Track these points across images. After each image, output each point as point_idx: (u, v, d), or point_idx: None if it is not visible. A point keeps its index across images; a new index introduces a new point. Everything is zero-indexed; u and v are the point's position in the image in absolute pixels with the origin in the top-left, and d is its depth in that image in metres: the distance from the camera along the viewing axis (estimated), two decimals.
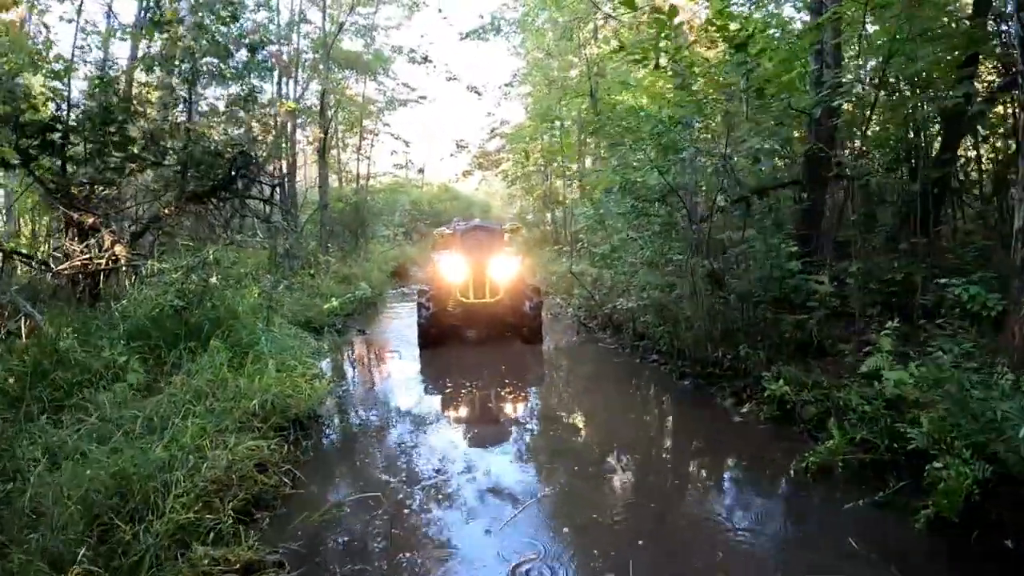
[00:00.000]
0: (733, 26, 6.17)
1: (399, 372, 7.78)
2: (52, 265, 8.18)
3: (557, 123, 18.20)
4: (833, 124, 7.02)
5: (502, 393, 6.85)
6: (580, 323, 9.94)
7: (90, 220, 8.42)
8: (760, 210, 7.43)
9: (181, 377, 5.47)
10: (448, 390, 7.04)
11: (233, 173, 8.86)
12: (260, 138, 9.87)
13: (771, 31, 7.74)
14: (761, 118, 6.67)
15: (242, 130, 9.23)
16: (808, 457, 4.43)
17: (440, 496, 4.42)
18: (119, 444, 4.17)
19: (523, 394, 6.92)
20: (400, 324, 10.73)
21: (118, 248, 8.45)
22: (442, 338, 8.54)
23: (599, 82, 15.84)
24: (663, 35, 5.85)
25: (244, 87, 9.70)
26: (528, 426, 6.03)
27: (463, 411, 6.37)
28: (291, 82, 14.80)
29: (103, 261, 8.24)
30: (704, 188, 7.48)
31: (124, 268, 8.23)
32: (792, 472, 4.49)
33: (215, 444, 4.34)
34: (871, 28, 6.83)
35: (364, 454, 5.20)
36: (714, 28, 6.11)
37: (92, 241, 8.42)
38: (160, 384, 5.56)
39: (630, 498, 4.46)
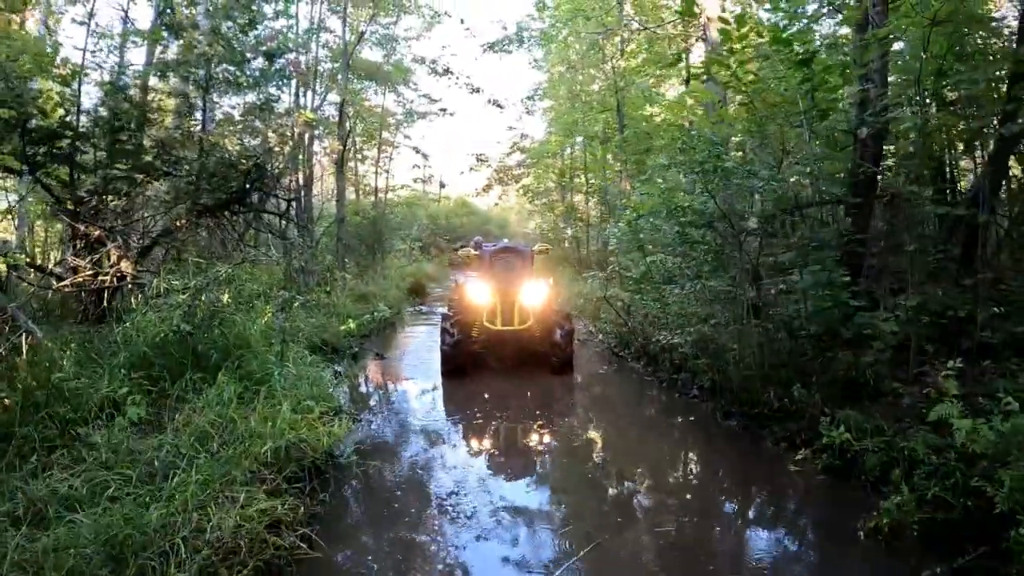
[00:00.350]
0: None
1: (421, 405, 7.23)
2: (54, 280, 7.76)
3: (579, 138, 17.80)
4: (880, 146, 6.51)
5: (532, 433, 6.28)
6: (611, 351, 9.37)
7: (96, 233, 8.01)
8: (803, 235, 6.90)
9: (185, 415, 4.97)
10: (475, 428, 6.48)
11: (248, 186, 8.41)
12: (276, 149, 9.41)
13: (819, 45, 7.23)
14: (813, 139, 6.17)
15: (258, 140, 8.77)
16: (877, 517, 3.97)
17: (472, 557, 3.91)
18: (114, 495, 3.67)
19: (554, 432, 6.34)
20: (419, 347, 10.20)
21: (124, 264, 8.00)
22: (467, 366, 8.00)
23: (625, 96, 15.39)
24: (726, 47, 5.30)
25: (261, 96, 9.27)
26: (563, 473, 5.45)
27: (492, 453, 5.80)
28: (309, 92, 14.42)
29: (108, 278, 7.80)
30: (754, 212, 6.94)
31: (130, 286, 7.76)
32: (861, 533, 4.01)
33: (221, 500, 3.81)
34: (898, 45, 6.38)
35: (388, 507, 4.65)
36: (773, 42, 5.58)
37: (97, 256, 8.05)
38: (163, 420, 5.08)
39: (681, 562, 3.90)
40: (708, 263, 6.50)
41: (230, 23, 8.82)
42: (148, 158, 8.34)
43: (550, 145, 17.31)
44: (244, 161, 8.39)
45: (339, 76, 13.57)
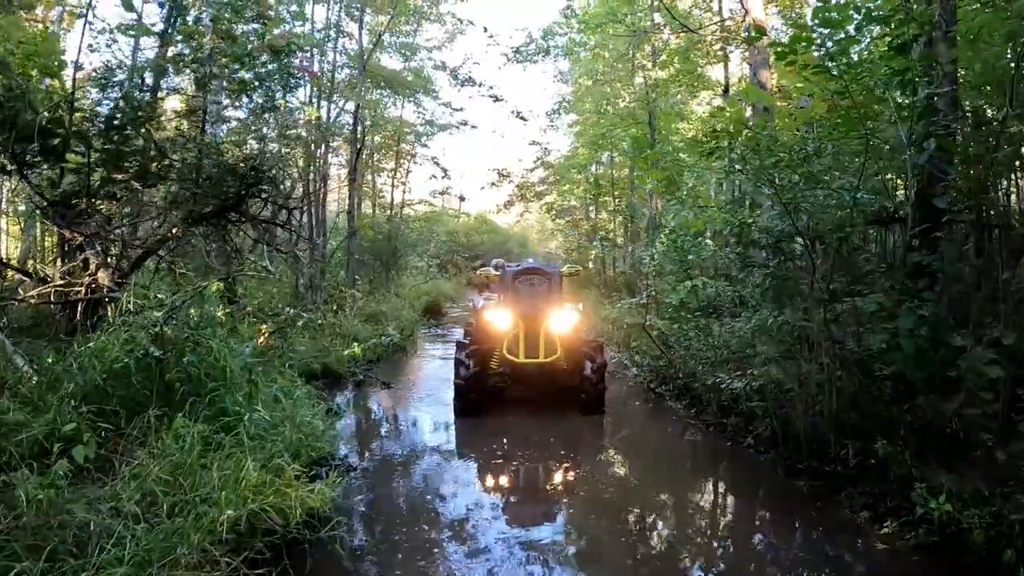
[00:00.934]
0: None
1: (430, 449, 6.20)
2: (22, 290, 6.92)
3: (605, 154, 16.86)
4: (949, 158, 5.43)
5: (559, 493, 5.24)
6: (646, 387, 8.28)
7: (79, 239, 7.18)
8: (873, 259, 5.84)
9: (139, 462, 4.01)
10: (490, 485, 5.42)
11: (243, 192, 7.51)
12: (276, 151, 8.54)
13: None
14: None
15: (261, 143, 7.91)
16: None
17: None
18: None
19: (586, 491, 5.29)
20: (432, 375, 9.22)
21: (102, 274, 7.13)
22: (483, 403, 6.95)
23: (659, 108, 14.44)
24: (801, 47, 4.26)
25: (266, 96, 8.41)
26: (598, 547, 4.39)
27: (512, 516, 4.74)
28: (325, 102, 13.67)
29: (81, 288, 6.93)
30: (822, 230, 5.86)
31: (106, 299, 6.88)
32: None
33: None
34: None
35: None
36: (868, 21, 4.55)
37: (73, 264, 7.23)
38: (116, 465, 4.14)
39: None
40: (771, 290, 5.43)
41: (233, 12, 7.98)
42: (141, 160, 7.50)
43: (578, 158, 16.32)
44: (241, 165, 7.50)
45: (355, 81, 12.76)
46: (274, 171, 7.63)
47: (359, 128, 11.84)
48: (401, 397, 8.04)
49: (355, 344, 8.57)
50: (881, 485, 4.83)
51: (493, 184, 19.94)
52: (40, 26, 10.78)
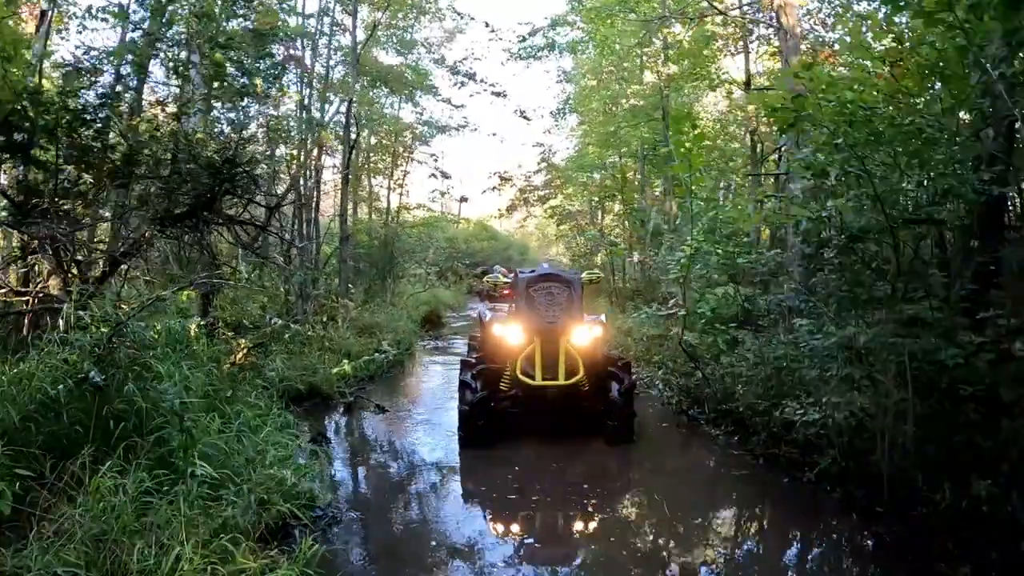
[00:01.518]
0: None
1: (430, 490, 5.24)
2: None
3: (613, 154, 15.93)
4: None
5: (588, 539, 4.31)
6: (677, 409, 7.32)
7: (33, 243, 6.30)
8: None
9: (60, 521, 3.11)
10: (506, 531, 4.47)
11: (216, 189, 6.59)
12: (262, 145, 7.62)
13: None
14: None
15: (238, 134, 6.98)
16: None
17: None
18: None
19: (618, 532, 4.35)
20: (432, 395, 8.28)
21: (53, 282, 6.21)
22: (493, 431, 5.96)
23: (670, 104, 13.54)
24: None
25: (245, 83, 7.50)
26: None
27: None
28: (317, 99, 12.76)
29: (28, 298, 6.01)
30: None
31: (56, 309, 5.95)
32: None
33: None
34: None
35: None
36: None
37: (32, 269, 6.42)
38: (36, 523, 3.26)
39: None
40: (846, 298, 4.47)
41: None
42: (112, 156, 6.64)
43: (587, 158, 15.34)
44: (215, 157, 6.58)
45: (347, 75, 11.87)
46: (252, 165, 6.71)
47: (352, 125, 10.93)
48: (397, 423, 7.06)
49: (345, 361, 7.61)
50: (983, 533, 3.93)
51: (495, 188, 19.03)
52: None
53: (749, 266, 6.71)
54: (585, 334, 5.97)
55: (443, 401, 7.65)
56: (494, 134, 43.46)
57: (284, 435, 5.18)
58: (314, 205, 12.55)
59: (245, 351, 7.70)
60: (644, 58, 14.41)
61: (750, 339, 7.14)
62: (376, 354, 8.34)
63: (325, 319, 10.27)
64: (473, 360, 6.22)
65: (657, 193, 16.63)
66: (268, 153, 8.10)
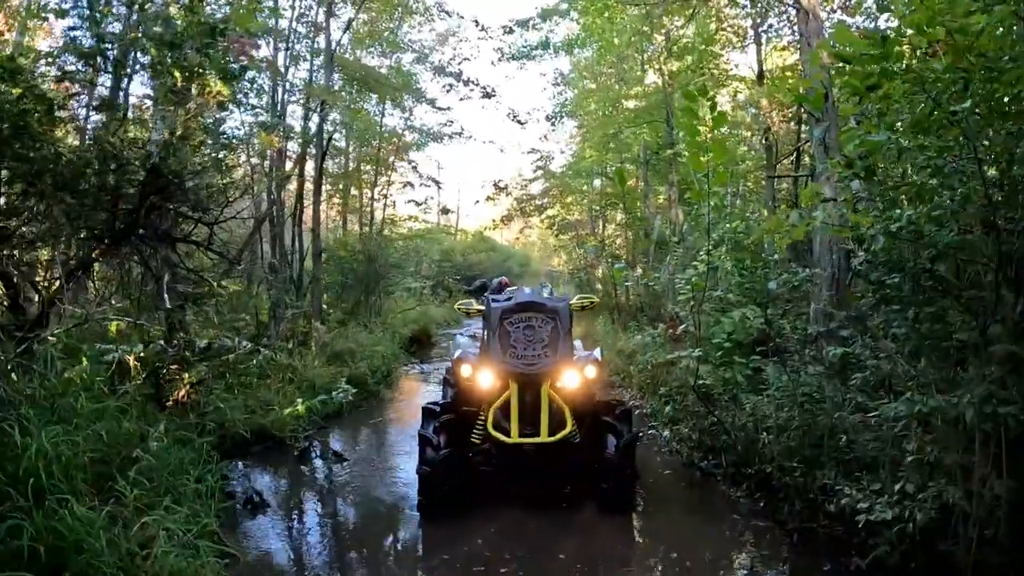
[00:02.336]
0: None
1: None
2: None
3: (615, 159, 14.86)
4: None
5: None
6: (687, 459, 6.18)
7: None
8: None
9: None
10: None
11: (143, 201, 5.56)
12: (208, 154, 6.58)
13: None
14: None
15: (173, 137, 5.93)
16: None
17: None
18: None
19: None
20: (404, 434, 7.18)
21: None
22: (460, 497, 4.84)
23: (674, 102, 12.48)
24: None
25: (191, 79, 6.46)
26: None
27: None
28: (294, 105, 11.78)
29: None
30: None
31: None
32: None
33: None
34: None
35: None
36: None
37: None
38: None
39: None
40: (931, 342, 3.34)
41: None
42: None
43: (585, 162, 14.24)
44: (133, 163, 5.55)
45: (321, 73, 10.86)
46: (187, 176, 5.68)
47: (324, 128, 9.92)
48: (355, 476, 5.93)
49: (299, 400, 6.53)
50: None
51: (489, 198, 17.96)
52: None
53: (778, 288, 5.63)
54: (574, 378, 4.87)
55: (414, 444, 6.62)
56: (491, 142, 42.21)
57: (202, 505, 4.16)
58: (294, 218, 11.55)
59: (188, 387, 6.70)
60: (645, 55, 13.35)
61: (775, 373, 6.03)
62: (334, 394, 7.22)
63: (293, 344, 9.22)
64: (437, 407, 5.13)
65: (661, 201, 15.59)
66: (223, 161, 7.06)
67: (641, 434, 6.38)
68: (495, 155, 53.92)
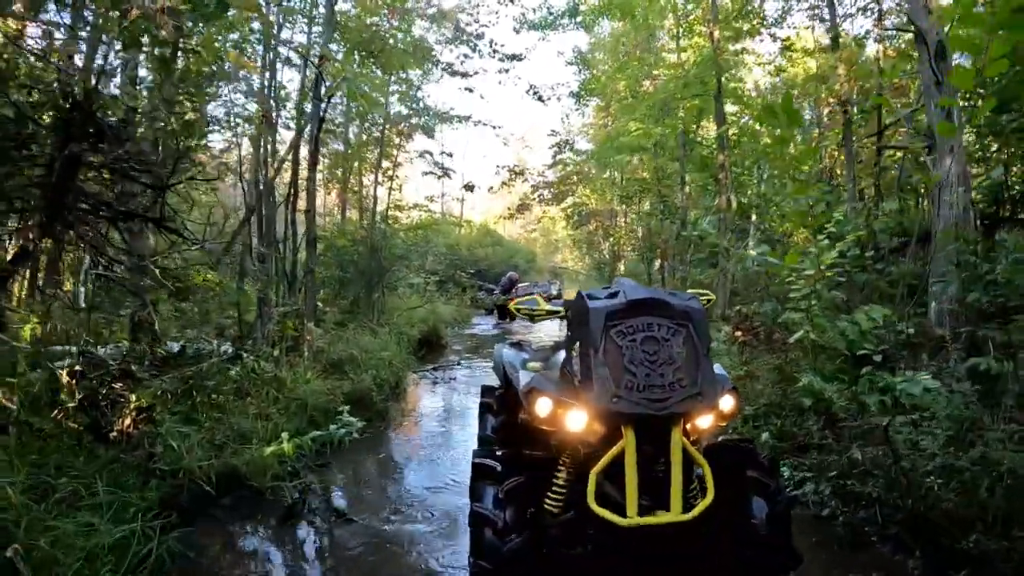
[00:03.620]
0: None
1: None
2: None
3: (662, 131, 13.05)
4: None
5: None
6: (845, 522, 4.38)
7: None
8: None
9: None
10: None
11: (62, 153, 3.84)
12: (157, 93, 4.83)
13: None
14: None
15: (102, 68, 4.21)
16: None
17: None
18: None
19: None
20: (429, 473, 5.49)
21: None
22: None
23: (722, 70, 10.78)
24: None
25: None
26: None
27: None
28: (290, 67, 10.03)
29: None
30: None
31: None
32: None
33: None
34: None
35: None
36: None
37: None
38: None
39: None
40: None
41: None
42: None
43: (632, 136, 12.37)
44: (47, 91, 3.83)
45: (316, 31, 9.11)
46: (117, 112, 3.95)
47: (321, 89, 8.18)
48: (368, 552, 4.18)
49: (284, 435, 4.78)
50: None
51: (504, 184, 16.21)
52: None
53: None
54: (710, 418, 3.14)
55: (446, 490, 4.91)
56: (499, 127, 40.00)
57: None
58: (288, 203, 9.82)
59: (135, 413, 5.02)
60: (691, 17, 11.65)
61: (913, 389, 4.34)
62: (335, 426, 5.43)
63: (281, 351, 7.50)
64: (494, 462, 3.35)
65: (688, 189, 13.90)
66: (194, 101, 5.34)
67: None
68: (500, 144, 51.90)
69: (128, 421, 4.94)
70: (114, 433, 4.83)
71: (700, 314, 3.22)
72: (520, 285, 20.98)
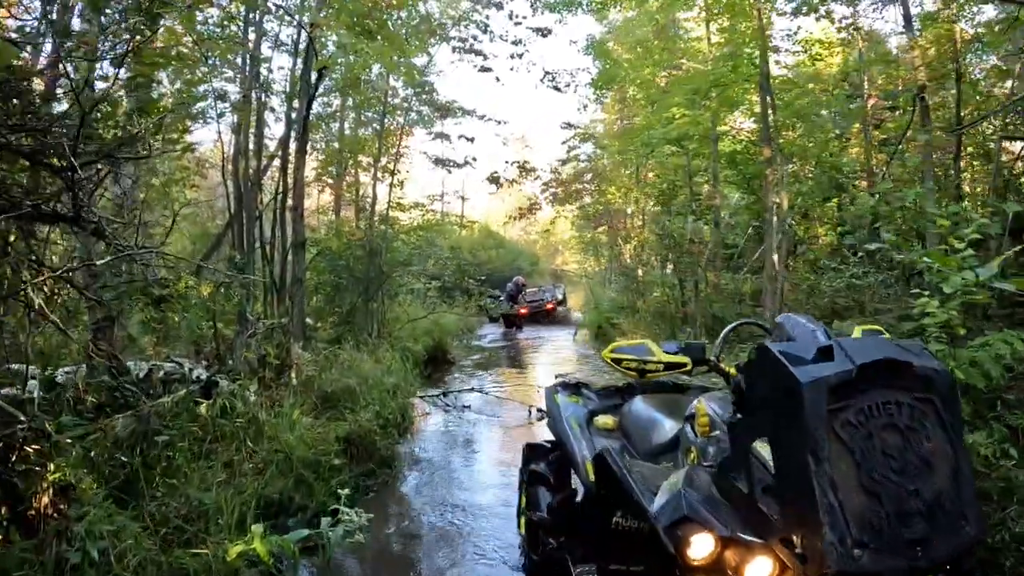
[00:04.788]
0: None
1: None
2: None
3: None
4: None
5: None
6: None
7: None
8: None
9: None
10: None
11: None
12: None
13: None
14: None
15: None
16: None
17: None
18: None
19: None
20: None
21: None
22: None
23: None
24: None
25: None
26: None
27: None
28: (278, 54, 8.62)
29: None
30: None
31: None
32: None
33: None
34: None
35: None
36: None
37: None
38: None
39: None
40: None
41: None
42: None
43: (678, 124, 10.75)
44: None
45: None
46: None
47: (312, 60, 6.75)
48: None
49: (254, 530, 3.32)
50: None
51: (513, 181, 14.81)
52: None
53: None
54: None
55: None
56: (504, 122, 38.16)
57: None
58: (276, 200, 8.38)
59: (52, 490, 3.63)
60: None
61: None
62: (334, 532, 3.86)
63: (263, 379, 6.08)
64: None
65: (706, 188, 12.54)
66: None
67: None
68: (500, 144, 50.29)
69: (46, 500, 3.54)
70: (32, 512, 3.46)
71: (945, 377, 1.86)
72: (528, 290, 19.56)
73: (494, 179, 10.54)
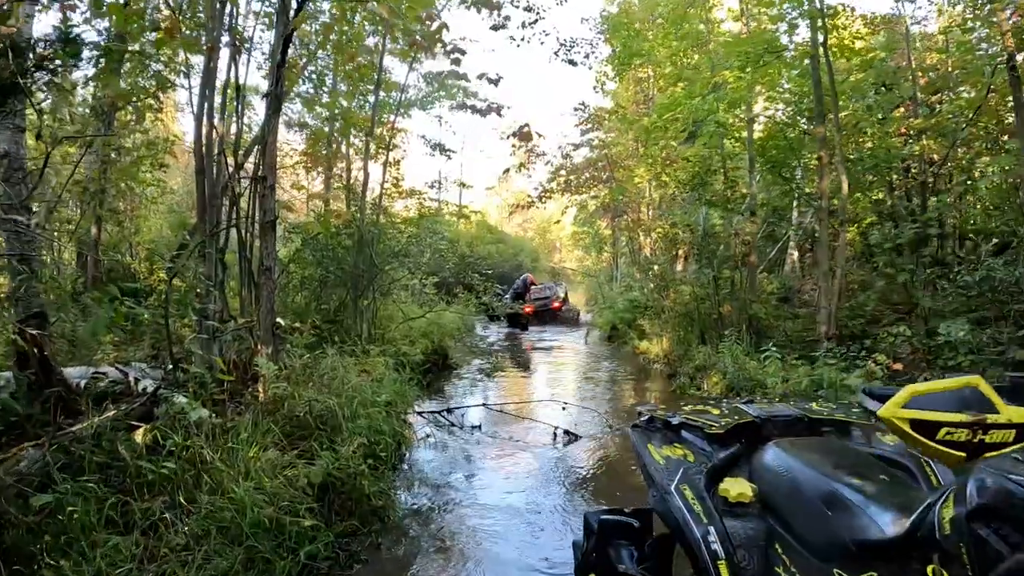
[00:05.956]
0: None
1: None
2: None
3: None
4: None
5: None
6: None
7: None
8: None
9: None
10: None
11: None
12: None
13: None
14: None
15: None
16: None
17: None
18: None
19: None
20: None
21: None
22: None
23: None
24: None
25: None
26: None
27: None
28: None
29: None
30: None
31: None
32: None
33: None
34: None
35: None
36: None
37: None
38: None
39: None
40: None
41: None
42: None
43: (733, 89, 9.24)
44: None
45: None
46: None
47: (290, 15, 5.33)
48: None
49: None
50: None
51: (522, 166, 13.44)
52: None
53: None
54: None
55: None
56: (507, 108, 36.70)
57: None
58: (253, 179, 6.94)
59: None
60: None
61: None
62: None
63: (222, 400, 4.69)
64: None
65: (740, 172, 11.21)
66: None
67: None
68: (497, 138, 49.12)
69: None
70: None
71: None
72: (534, 287, 18.23)
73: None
